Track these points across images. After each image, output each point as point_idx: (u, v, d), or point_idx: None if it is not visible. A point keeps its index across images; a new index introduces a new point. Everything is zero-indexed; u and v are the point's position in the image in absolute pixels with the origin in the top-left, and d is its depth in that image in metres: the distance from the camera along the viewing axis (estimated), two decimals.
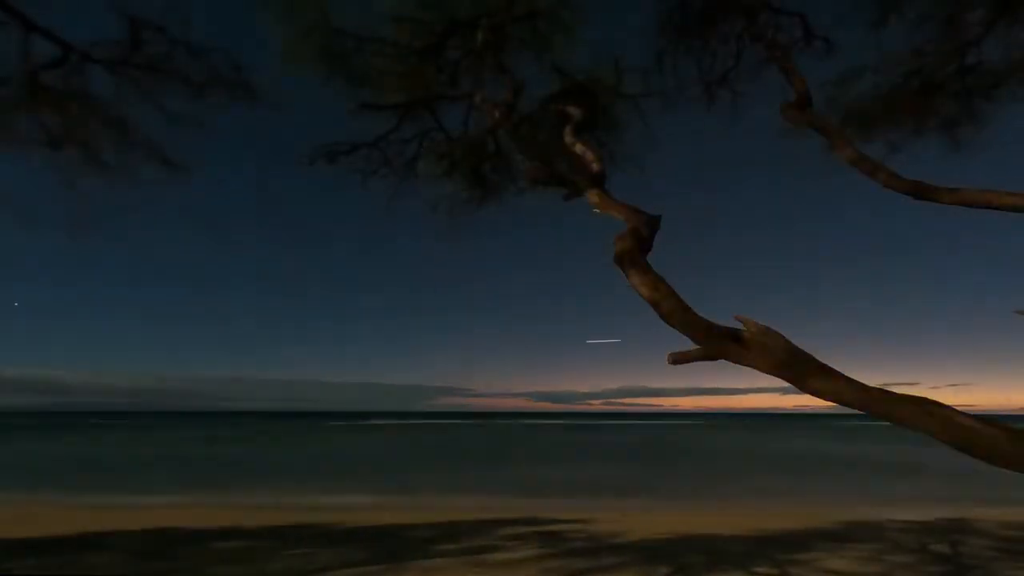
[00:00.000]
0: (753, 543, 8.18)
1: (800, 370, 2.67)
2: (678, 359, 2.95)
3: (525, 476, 20.08)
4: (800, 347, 2.75)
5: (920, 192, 3.84)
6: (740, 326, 2.85)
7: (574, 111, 4.86)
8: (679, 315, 3.04)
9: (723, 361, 2.91)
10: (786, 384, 2.73)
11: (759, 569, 6.68)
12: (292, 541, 8.29)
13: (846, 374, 2.66)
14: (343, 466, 24.55)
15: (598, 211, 3.95)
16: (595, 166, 4.18)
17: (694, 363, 2.93)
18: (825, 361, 2.69)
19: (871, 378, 2.64)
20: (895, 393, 2.53)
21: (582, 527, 9.52)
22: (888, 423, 2.58)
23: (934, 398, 2.44)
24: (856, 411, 2.64)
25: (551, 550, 7.65)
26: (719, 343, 2.85)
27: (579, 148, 4.44)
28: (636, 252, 3.36)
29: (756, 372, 2.85)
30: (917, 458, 24.04)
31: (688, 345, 2.99)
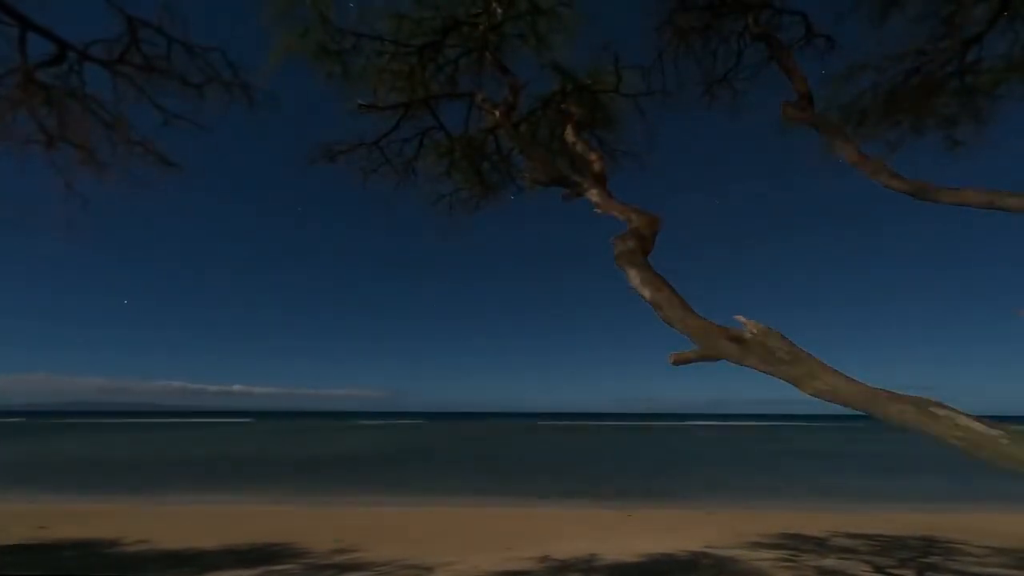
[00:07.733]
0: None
1: (801, 370, 2.66)
2: (679, 360, 2.95)
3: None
4: (801, 348, 2.75)
5: (921, 192, 3.82)
6: (741, 327, 2.84)
7: (575, 110, 4.85)
8: (680, 316, 3.03)
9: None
10: None
11: None
12: None
13: (847, 375, 2.65)
14: None
15: (599, 211, 3.93)
16: (597, 165, 4.17)
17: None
18: (828, 362, 2.69)
19: (874, 380, 2.63)
20: (896, 393, 2.51)
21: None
22: (889, 423, 2.57)
23: (936, 399, 2.44)
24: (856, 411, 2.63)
25: None
26: (720, 344, 2.84)
27: (580, 147, 4.43)
28: (637, 252, 3.35)
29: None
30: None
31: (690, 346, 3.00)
